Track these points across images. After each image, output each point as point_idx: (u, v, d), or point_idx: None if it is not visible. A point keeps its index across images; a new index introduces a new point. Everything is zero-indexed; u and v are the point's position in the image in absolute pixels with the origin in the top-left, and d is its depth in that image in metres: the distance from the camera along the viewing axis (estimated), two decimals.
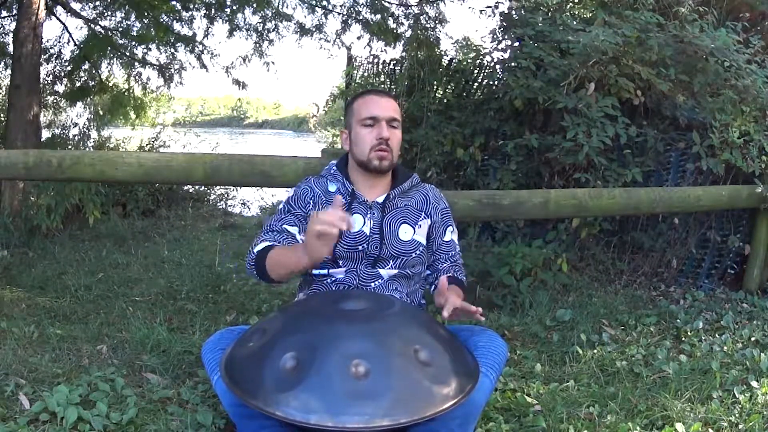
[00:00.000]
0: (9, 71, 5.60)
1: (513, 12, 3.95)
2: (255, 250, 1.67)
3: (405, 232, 1.75)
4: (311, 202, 1.75)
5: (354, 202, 1.74)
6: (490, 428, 1.77)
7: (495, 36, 3.99)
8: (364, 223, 1.72)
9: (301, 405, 1.22)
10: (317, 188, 1.78)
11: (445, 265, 1.82)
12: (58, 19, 6.11)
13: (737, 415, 1.89)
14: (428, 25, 4.86)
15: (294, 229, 1.71)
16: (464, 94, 4.25)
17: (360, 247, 1.71)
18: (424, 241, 1.79)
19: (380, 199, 1.75)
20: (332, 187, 1.78)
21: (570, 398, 1.99)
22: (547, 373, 2.23)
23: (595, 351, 2.44)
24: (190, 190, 6.37)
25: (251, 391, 1.28)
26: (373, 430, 1.21)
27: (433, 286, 1.81)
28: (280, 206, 1.80)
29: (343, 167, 1.81)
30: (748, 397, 2.02)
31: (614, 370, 2.24)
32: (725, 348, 2.51)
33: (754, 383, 2.13)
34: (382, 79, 4.76)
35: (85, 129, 6.62)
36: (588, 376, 2.19)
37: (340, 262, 1.72)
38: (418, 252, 1.76)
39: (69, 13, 6.11)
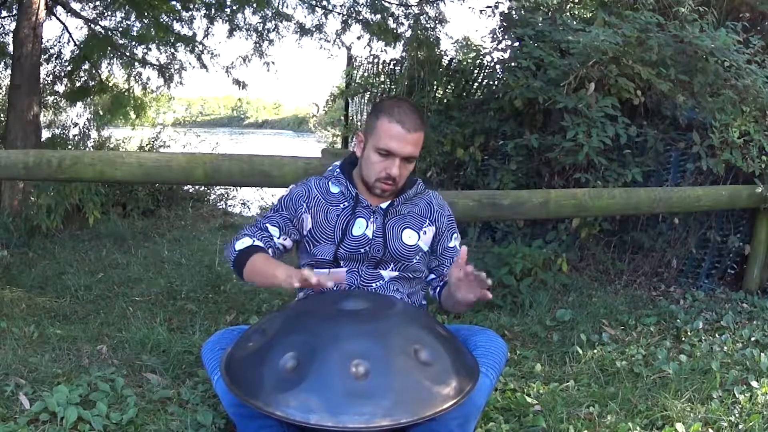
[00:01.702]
0: (9, 71, 5.60)
1: (513, 12, 3.95)
2: (236, 247, 1.69)
3: (409, 237, 1.75)
4: (304, 204, 1.75)
5: (358, 206, 1.74)
6: (490, 428, 1.77)
7: (495, 36, 3.99)
8: (367, 226, 1.72)
9: (301, 405, 1.22)
10: (316, 189, 1.77)
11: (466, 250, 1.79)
12: (58, 19, 6.11)
13: (737, 415, 1.89)
14: (428, 25, 4.87)
15: (275, 231, 1.73)
16: (464, 94, 4.25)
17: (362, 250, 1.71)
18: (425, 248, 1.78)
19: (384, 205, 1.75)
20: (335, 189, 1.78)
21: (570, 398, 1.99)
22: (547, 373, 2.23)
23: (595, 351, 2.44)
24: (190, 190, 6.36)
25: (251, 391, 1.28)
26: (373, 430, 1.21)
27: (438, 288, 1.79)
28: (274, 202, 1.81)
29: (348, 170, 1.79)
30: (748, 397, 2.02)
31: (614, 370, 2.24)
32: (725, 348, 2.51)
33: (754, 383, 2.13)
34: (382, 79, 4.77)
35: (85, 129, 6.62)
36: (588, 376, 2.19)
37: (342, 263, 1.72)
38: (418, 257, 1.76)
39: (69, 13, 6.11)
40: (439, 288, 1.79)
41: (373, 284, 1.72)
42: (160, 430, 1.67)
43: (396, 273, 1.73)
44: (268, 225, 1.74)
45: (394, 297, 1.67)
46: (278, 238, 1.73)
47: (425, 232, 1.78)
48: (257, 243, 1.70)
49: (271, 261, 1.65)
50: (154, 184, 5.61)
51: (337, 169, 1.80)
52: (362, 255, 1.71)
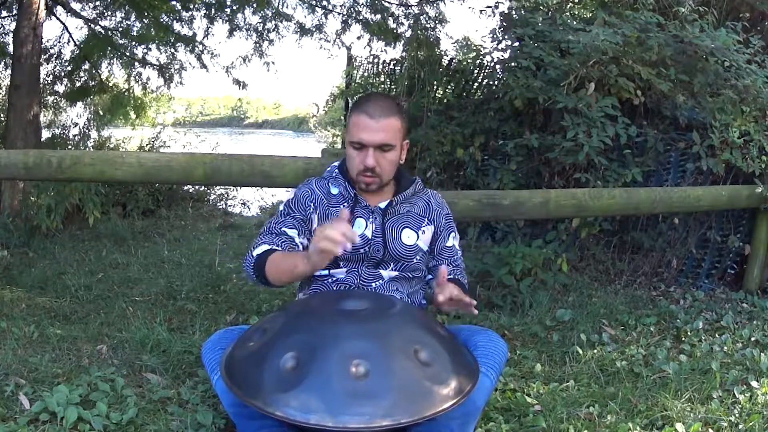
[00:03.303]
0: (9, 71, 5.61)
1: (513, 12, 3.95)
2: (254, 254, 1.65)
3: (408, 237, 1.75)
4: (311, 205, 1.75)
5: (356, 207, 1.74)
6: (490, 428, 1.77)
7: (495, 36, 3.98)
8: (366, 226, 1.72)
9: (301, 405, 1.22)
10: (318, 190, 1.78)
11: (447, 269, 1.81)
12: (58, 19, 6.12)
13: (737, 415, 1.89)
14: (428, 25, 4.86)
15: (293, 232, 1.70)
16: (464, 94, 4.25)
17: (362, 250, 1.71)
18: (425, 247, 1.79)
19: (382, 205, 1.75)
20: (334, 190, 1.78)
21: (570, 398, 1.99)
22: (547, 373, 2.23)
23: (595, 351, 2.44)
24: (190, 190, 6.37)
25: (251, 391, 1.28)
26: (373, 430, 1.21)
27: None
28: (280, 208, 1.79)
29: (345, 170, 1.79)
30: (748, 397, 2.02)
31: (614, 370, 2.24)
32: (725, 348, 2.51)
33: (754, 383, 2.13)
34: (382, 79, 4.77)
35: (85, 129, 6.62)
36: (588, 376, 2.19)
37: (341, 263, 1.72)
38: (418, 257, 1.77)
39: (69, 13, 6.11)
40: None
41: (373, 284, 1.72)
42: (160, 430, 1.67)
43: (396, 273, 1.74)
44: (284, 229, 1.70)
45: (394, 297, 1.67)
46: (298, 237, 1.70)
47: (424, 232, 1.79)
48: (276, 248, 1.66)
49: (291, 253, 1.63)
50: (154, 184, 5.61)
51: (336, 170, 1.80)
52: (362, 255, 1.71)
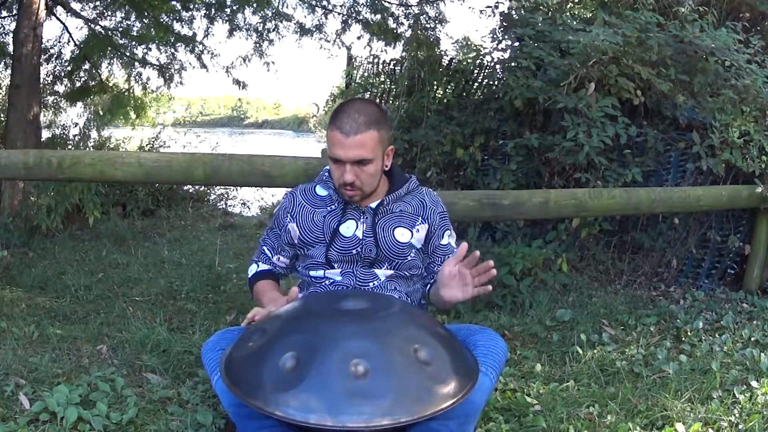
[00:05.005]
0: (9, 71, 5.61)
1: (513, 12, 3.95)
2: (250, 272, 1.87)
3: (402, 234, 1.74)
4: (288, 215, 1.77)
5: (347, 208, 1.73)
6: (490, 428, 1.77)
7: (495, 36, 3.98)
8: (357, 227, 1.72)
9: (301, 405, 1.22)
10: (301, 196, 1.78)
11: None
12: (58, 19, 6.12)
13: (737, 415, 1.89)
14: (428, 25, 4.87)
15: (269, 252, 1.85)
16: (464, 94, 4.24)
17: (354, 251, 1.70)
18: (419, 245, 1.77)
19: (373, 205, 1.74)
20: (323, 192, 1.78)
21: (570, 398, 1.99)
22: (547, 373, 2.23)
23: (595, 351, 2.44)
24: (190, 190, 6.37)
25: (251, 391, 1.28)
26: (372, 430, 1.21)
27: (428, 286, 1.79)
28: (275, 211, 1.87)
29: None
30: (748, 397, 2.02)
31: (614, 370, 2.24)
32: (725, 348, 2.51)
33: (754, 383, 2.13)
34: (382, 79, 4.76)
35: (85, 129, 6.63)
36: (588, 376, 2.19)
37: (335, 265, 1.72)
38: (412, 255, 1.75)
39: (69, 13, 6.12)
40: (429, 285, 1.79)
41: (370, 284, 1.71)
42: (160, 430, 1.67)
43: (391, 272, 1.73)
44: (264, 247, 1.86)
45: (394, 297, 1.67)
46: (273, 258, 1.84)
47: (418, 230, 1.76)
48: (261, 267, 1.85)
49: (265, 291, 1.78)
50: (154, 184, 5.61)
51: (326, 173, 1.79)
52: (354, 256, 1.71)
